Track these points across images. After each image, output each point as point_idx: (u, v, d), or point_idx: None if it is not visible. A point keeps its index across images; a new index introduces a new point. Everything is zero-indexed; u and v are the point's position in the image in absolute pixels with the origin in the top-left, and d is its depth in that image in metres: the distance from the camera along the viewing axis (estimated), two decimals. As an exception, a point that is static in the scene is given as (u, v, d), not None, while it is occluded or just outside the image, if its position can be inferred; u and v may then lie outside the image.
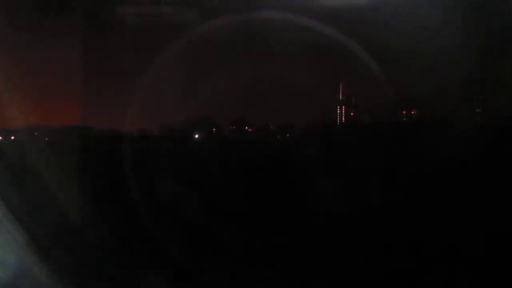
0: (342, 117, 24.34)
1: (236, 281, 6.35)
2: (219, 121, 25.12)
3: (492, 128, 16.20)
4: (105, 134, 20.50)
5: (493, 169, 11.45)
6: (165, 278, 6.08)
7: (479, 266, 6.39)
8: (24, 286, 4.73)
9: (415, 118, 21.33)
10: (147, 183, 11.17)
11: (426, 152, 13.53)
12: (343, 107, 24.18)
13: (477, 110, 20.63)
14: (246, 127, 24.60)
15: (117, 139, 17.73)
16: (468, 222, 8.19)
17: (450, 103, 20.61)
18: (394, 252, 7.22)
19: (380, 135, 17.00)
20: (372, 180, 11.69)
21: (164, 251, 7.00)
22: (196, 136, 22.92)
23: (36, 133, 14.10)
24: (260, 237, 7.78)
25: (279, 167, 14.69)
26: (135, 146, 16.84)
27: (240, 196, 10.91)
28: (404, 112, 21.95)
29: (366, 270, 6.53)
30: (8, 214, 5.04)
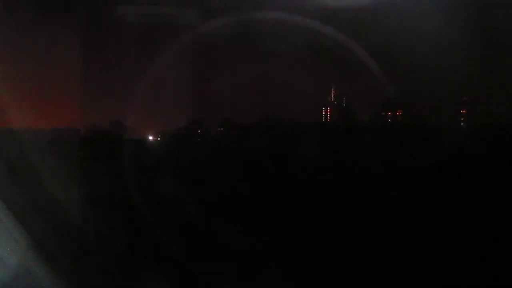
0: (328, 118, 24.14)
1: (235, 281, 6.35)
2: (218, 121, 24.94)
3: (479, 130, 16.13)
4: (102, 135, 20.24)
5: (478, 171, 11.39)
6: (165, 279, 6.09)
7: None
8: (24, 286, 4.73)
9: (400, 118, 21.15)
10: (145, 184, 11.19)
11: (401, 154, 13.45)
12: (328, 108, 24.01)
13: (461, 111, 20.39)
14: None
15: (115, 140, 17.69)
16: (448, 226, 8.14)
17: (438, 105, 20.54)
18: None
19: (361, 135, 16.82)
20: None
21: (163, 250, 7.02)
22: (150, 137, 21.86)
23: (35, 133, 14.12)
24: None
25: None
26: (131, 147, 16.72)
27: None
28: (389, 113, 21.70)
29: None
30: (8, 214, 5.04)
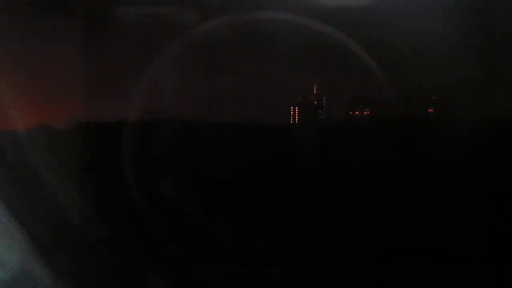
0: (296, 117, 23.87)
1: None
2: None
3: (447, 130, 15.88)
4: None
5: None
6: (167, 279, 6.07)
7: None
8: (24, 286, 4.70)
9: (367, 117, 20.92)
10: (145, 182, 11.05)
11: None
12: (296, 107, 23.79)
13: (429, 110, 20.35)
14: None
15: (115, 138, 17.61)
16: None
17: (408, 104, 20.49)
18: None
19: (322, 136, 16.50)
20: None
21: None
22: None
23: (35, 133, 14.05)
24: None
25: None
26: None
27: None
28: (356, 112, 21.52)
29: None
30: (8, 213, 5.02)
